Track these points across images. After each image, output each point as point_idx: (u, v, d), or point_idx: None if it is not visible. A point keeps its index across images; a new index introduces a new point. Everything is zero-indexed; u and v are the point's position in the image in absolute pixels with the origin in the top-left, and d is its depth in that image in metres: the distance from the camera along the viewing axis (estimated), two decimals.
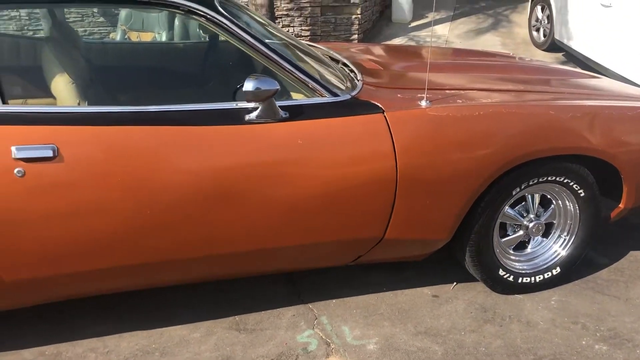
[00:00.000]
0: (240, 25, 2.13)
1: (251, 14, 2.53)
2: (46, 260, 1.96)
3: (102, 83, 2.45)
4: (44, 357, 2.23)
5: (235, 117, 2.06)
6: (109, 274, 2.07)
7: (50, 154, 1.85)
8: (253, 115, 2.05)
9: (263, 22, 2.53)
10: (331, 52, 2.95)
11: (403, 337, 2.37)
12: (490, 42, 7.81)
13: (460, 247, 2.49)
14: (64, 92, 2.12)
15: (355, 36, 7.40)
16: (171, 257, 2.09)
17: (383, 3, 9.20)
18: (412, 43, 7.86)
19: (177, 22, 6.03)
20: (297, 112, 2.12)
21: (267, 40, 2.18)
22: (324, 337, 2.37)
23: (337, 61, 2.77)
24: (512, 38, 7.99)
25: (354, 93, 2.25)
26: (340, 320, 2.47)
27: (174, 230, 2.03)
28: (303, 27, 7.27)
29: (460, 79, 2.69)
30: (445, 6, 9.55)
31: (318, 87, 2.18)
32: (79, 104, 2.10)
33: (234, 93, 2.30)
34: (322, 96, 2.19)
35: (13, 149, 1.82)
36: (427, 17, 9.01)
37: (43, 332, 2.35)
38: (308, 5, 7.21)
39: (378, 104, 2.21)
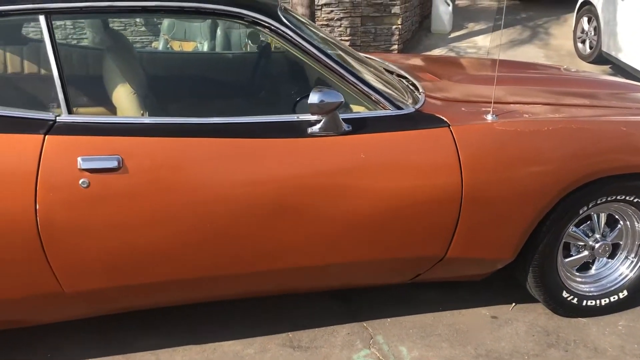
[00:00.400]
0: (304, 36, 2.09)
1: (309, 25, 2.49)
2: (106, 271, 1.93)
3: (163, 93, 2.44)
4: None
5: (297, 130, 2.02)
6: (167, 286, 2.04)
7: (115, 165, 1.83)
8: (316, 128, 2.00)
9: (320, 33, 2.49)
10: (386, 63, 2.89)
11: (463, 359, 2.28)
12: (532, 54, 7.66)
13: (522, 267, 2.39)
14: (126, 102, 2.11)
15: (395, 46, 7.33)
16: (229, 271, 2.04)
17: (422, 14, 9.13)
18: (452, 54, 7.76)
19: (219, 31, 6.06)
20: (360, 125, 2.06)
21: (329, 52, 2.14)
22: (381, 357, 2.29)
23: (392, 73, 2.71)
24: (556, 50, 7.83)
25: (418, 106, 2.19)
26: (397, 340, 2.39)
27: (233, 244, 1.99)
28: (343, 37, 7.23)
29: (522, 92, 2.61)
30: (484, 17, 9.43)
31: (382, 99, 2.12)
32: (142, 114, 2.08)
33: (294, 105, 2.26)
34: (386, 109, 2.13)
35: (79, 159, 1.81)
36: (466, 27, 8.91)
37: (97, 344, 2.33)
38: (348, 15, 7.18)
39: (443, 118, 2.14)
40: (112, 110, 2.18)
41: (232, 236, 1.98)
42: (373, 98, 2.12)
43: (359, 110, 2.18)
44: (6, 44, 2.36)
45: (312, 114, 1.98)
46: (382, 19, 7.23)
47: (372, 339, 2.40)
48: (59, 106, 1.88)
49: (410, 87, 2.49)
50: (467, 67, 3.34)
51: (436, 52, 7.87)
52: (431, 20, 8.67)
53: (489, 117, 2.18)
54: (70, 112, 1.88)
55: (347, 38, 7.30)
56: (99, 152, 1.83)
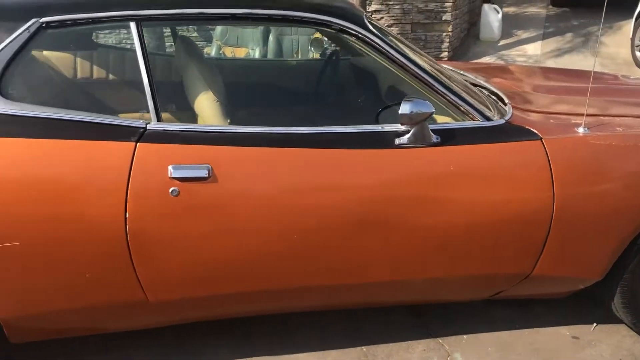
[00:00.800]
0: (391, 44, 2.04)
1: (390, 33, 2.44)
2: (192, 281, 1.91)
3: (243, 101, 2.42)
4: None
5: (384, 141, 1.96)
6: (250, 297, 2.01)
7: (205, 174, 1.81)
8: (404, 138, 1.95)
9: (403, 41, 2.44)
10: (461, 72, 2.82)
11: None
12: (587, 63, 7.46)
13: (609, 287, 2.28)
14: (209, 110, 2.09)
15: (445, 54, 7.24)
16: (313, 282, 2.00)
17: (470, 21, 9.00)
18: (501, 62, 7.62)
19: (271, 37, 6.07)
20: (449, 137, 2.00)
21: (417, 60, 2.08)
22: None
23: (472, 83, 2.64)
24: (611, 58, 7.61)
25: (507, 117, 2.12)
26: (476, 358, 2.31)
27: (318, 255, 1.95)
28: None
29: (608, 104, 2.51)
30: (534, 25, 9.24)
31: (471, 110, 2.05)
32: (229, 122, 2.06)
33: (377, 115, 2.21)
34: (474, 120, 2.06)
35: (170, 168, 1.79)
36: (515, 35, 8.75)
37: (169, 351, 2.31)
38: (399, 22, 7.12)
39: (534, 130, 2.06)
40: (194, 118, 2.16)
41: (317, 248, 1.94)
42: (462, 109, 2.05)
43: (443, 122, 2.12)
44: (95, 50, 2.38)
45: (402, 124, 1.92)
46: (432, 25, 7.15)
47: (449, 356, 2.33)
48: (148, 113, 1.87)
49: (492, 97, 2.42)
50: (541, 77, 3.24)
51: (485, 60, 7.74)
52: (479, 28, 8.54)
53: (581, 130, 2.09)
54: (159, 119, 1.86)
55: None
56: (189, 160, 1.81)
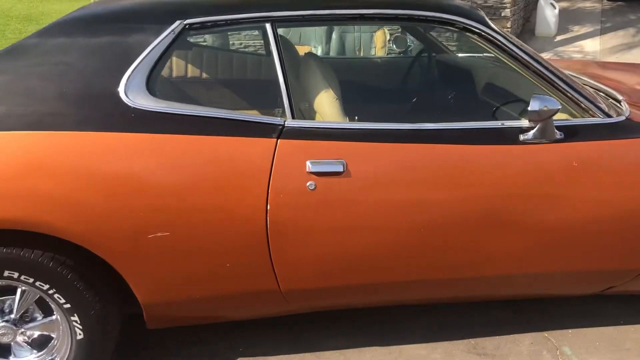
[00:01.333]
0: (513, 42, 2.08)
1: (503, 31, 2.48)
2: (323, 272, 1.99)
3: (358, 98, 2.49)
4: None
5: (507, 137, 2.01)
6: (375, 289, 2.08)
7: (340, 169, 1.88)
8: (529, 135, 1.99)
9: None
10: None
11: None
12: None
13: None
14: (329, 108, 2.16)
15: None
16: (436, 276, 2.06)
17: (525, 16, 8.91)
18: (558, 58, 7.52)
19: (334, 35, 6.14)
20: (572, 133, 2.03)
21: (538, 58, 2.12)
22: None
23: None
24: None
25: (626, 114, 2.13)
26: (585, 352, 2.34)
27: (443, 250, 2.00)
28: (450, 41, 7.15)
29: None
30: (590, 19, 9.09)
31: (592, 107, 2.08)
32: (363, 120, 2.12)
33: (494, 112, 2.25)
34: (594, 116, 2.08)
35: (308, 163, 1.87)
36: (572, 31, 8.62)
37: (287, 341, 2.40)
38: None
39: None
40: (312, 115, 2.24)
41: (442, 243, 1.99)
42: (583, 105, 2.08)
43: (563, 118, 2.14)
44: (229, 51, 2.47)
45: (531, 121, 1.96)
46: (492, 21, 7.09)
47: (558, 350, 2.35)
48: (283, 111, 1.95)
49: (600, 93, 2.43)
50: (630, 73, 3.22)
51: (543, 56, 7.65)
52: (535, 24, 8.45)
53: None
54: (293, 117, 1.94)
55: (454, 43, 7.22)
56: (326, 156, 1.89)
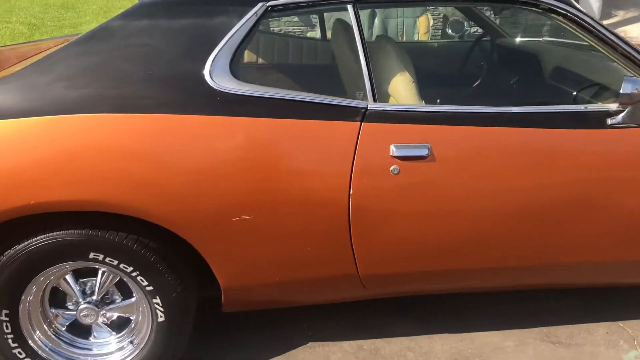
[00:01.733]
0: (600, 24, 2.01)
1: None
2: (403, 257, 1.97)
3: (431, 82, 2.45)
4: (363, 351, 2.27)
5: (595, 120, 1.95)
6: (455, 275, 2.05)
7: (424, 153, 1.85)
8: (618, 118, 1.92)
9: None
10: None
11: None
12: None
13: None
14: (405, 91, 2.13)
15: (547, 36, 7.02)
16: (518, 263, 2.02)
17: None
18: None
19: (376, 21, 6.07)
20: None
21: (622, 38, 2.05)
22: None
23: None
24: None
25: None
26: None
27: (527, 236, 1.97)
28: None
29: None
30: (635, 4, 8.84)
31: None
32: (441, 103, 2.09)
33: (575, 95, 2.19)
34: None
35: (392, 147, 1.84)
36: (616, 16, 8.40)
37: (354, 326, 2.39)
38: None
39: None
40: (385, 98, 2.21)
41: (526, 228, 1.95)
42: None
43: None
44: (310, 32, 2.45)
45: (622, 104, 1.90)
46: None
47: (635, 339, 2.31)
48: (364, 94, 1.92)
49: None
50: None
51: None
52: None
53: None
54: (374, 100, 1.91)
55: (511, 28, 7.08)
56: (410, 140, 1.86)
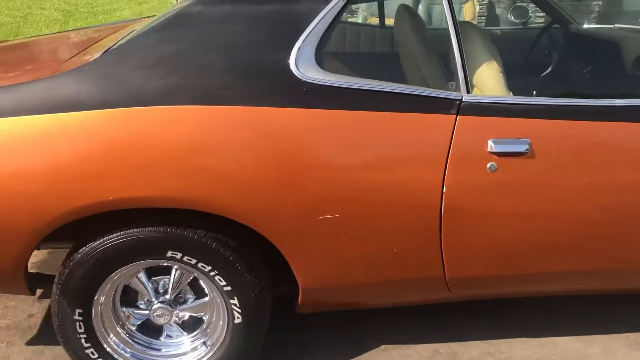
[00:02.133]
0: None
1: None
2: (495, 259, 1.85)
3: (529, 72, 2.32)
4: (440, 355, 2.16)
5: None
6: (549, 278, 1.93)
7: (524, 148, 1.72)
8: None
9: None
10: None
11: None
12: None
13: None
14: (492, 82, 2.00)
15: (594, 24, 6.78)
16: (621, 266, 1.89)
17: None
18: None
19: (420, 7, 5.90)
20: None
21: None
22: None
23: None
24: None
25: None
26: None
27: (626, 237, 1.83)
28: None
29: None
30: None
31: None
32: (536, 93, 1.96)
33: None
34: None
35: (490, 142, 1.72)
36: None
37: (429, 329, 2.29)
38: None
39: None
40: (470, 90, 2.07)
41: (626, 230, 1.82)
42: None
43: None
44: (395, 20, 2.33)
45: None
46: None
47: None
48: (457, 85, 1.80)
49: None
50: None
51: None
52: None
53: None
54: (467, 91, 1.79)
55: (541, 15, 6.86)
56: (509, 134, 1.73)
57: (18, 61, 2.32)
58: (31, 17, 8.39)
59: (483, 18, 6.02)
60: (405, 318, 2.32)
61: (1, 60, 2.35)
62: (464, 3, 5.75)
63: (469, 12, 5.77)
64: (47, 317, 2.40)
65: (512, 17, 3.47)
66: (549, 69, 2.93)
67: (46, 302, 2.50)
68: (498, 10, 5.85)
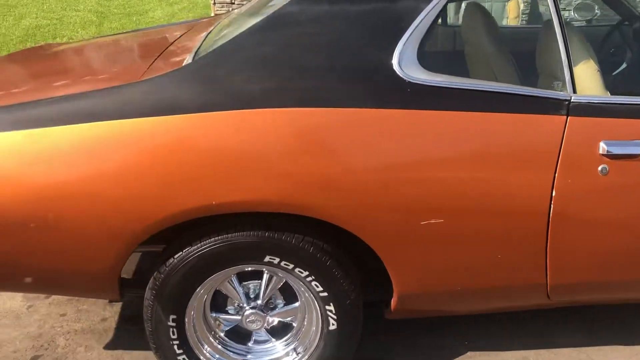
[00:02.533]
0: None
1: None
2: (600, 266, 1.78)
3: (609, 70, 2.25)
4: None
5: None
6: None
7: (638, 150, 1.66)
8: None
9: None
10: None
11: None
12: None
13: None
14: (590, 81, 1.92)
15: None
16: None
17: None
18: None
19: (463, 5, 5.79)
20: None
21: None
22: None
23: None
24: None
25: None
26: None
27: None
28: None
29: None
30: None
31: None
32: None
33: None
34: None
35: (601, 144, 1.65)
36: None
37: (514, 336, 2.22)
38: None
39: None
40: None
41: None
42: None
43: None
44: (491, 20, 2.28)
45: None
46: None
47: None
48: (564, 84, 1.73)
49: None
50: None
51: None
52: None
53: None
54: (574, 91, 1.72)
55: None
56: (621, 136, 1.67)
57: (97, 64, 2.30)
58: (66, 19, 8.45)
59: (525, 16, 5.93)
60: (490, 324, 2.26)
61: (78, 62, 2.34)
62: (507, 0, 5.66)
63: (513, 10, 5.67)
64: (121, 320, 2.39)
65: (576, 15, 3.38)
66: (622, 66, 2.85)
67: (117, 306, 2.48)
68: (542, 8, 5.74)
